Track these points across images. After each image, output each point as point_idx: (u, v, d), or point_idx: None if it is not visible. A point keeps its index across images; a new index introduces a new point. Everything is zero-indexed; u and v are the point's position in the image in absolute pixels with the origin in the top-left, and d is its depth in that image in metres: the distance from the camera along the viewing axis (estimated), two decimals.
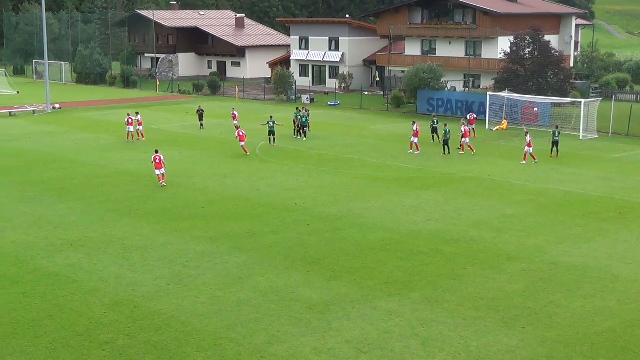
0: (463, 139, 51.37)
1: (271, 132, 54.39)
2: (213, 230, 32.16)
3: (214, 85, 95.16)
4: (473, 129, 57.85)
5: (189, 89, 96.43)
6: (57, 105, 79.01)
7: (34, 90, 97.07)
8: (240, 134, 50.95)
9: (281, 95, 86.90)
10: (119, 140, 56.53)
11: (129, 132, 56.44)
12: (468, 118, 58.74)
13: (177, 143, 55.69)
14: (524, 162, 47.36)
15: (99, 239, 31.06)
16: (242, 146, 50.68)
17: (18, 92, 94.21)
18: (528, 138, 47.71)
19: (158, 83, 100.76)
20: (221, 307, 23.41)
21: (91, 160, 48.90)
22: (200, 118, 62.67)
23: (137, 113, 58.46)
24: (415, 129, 51.43)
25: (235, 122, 60.16)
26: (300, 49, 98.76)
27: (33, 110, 76.34)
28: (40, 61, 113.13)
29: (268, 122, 54.72)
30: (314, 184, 41.64)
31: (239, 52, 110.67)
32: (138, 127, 56.86)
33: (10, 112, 74.44)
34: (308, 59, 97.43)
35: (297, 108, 60.22)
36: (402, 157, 49.90)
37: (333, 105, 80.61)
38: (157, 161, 41.28)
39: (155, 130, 62.78)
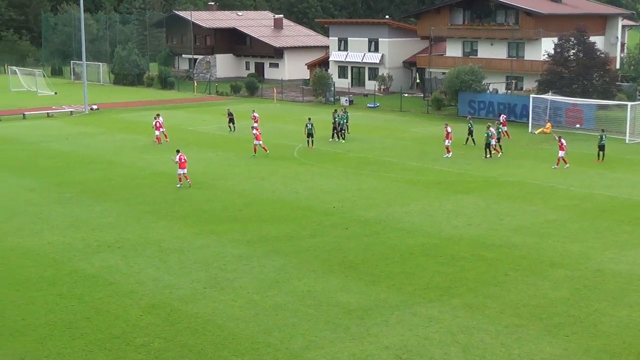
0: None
1: (309, 134, 54.45)
2: (250, 233, 32.24)
3: (252, 86, 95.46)
4: (506, 131, 57.49)
5: (226, 91, 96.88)
6: (95, 106, 79.84)
7: (71, 91, 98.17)
8: (257, 132, 51.74)
9: (319, 97, 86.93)
10: (155, 141, 56.92)
11: (157, 135, 56.71)
12: (500, 119, 58.37)
13: (214, 145, 55.97)
14: (556, 166, 46.85)
15: (136, 240, 31.29)
16: (255, 145, 51.04)
17: (56, 93, 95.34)
18: (564, 141, 47.18)
19: (195, 84, 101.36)
20: (258, 311, 23.44)
21: (128, 162, 49.31)
22: (231, 121, 62.52)
23: (158, 115, 58.51)
24: (447, 131, 51.17)
25: (255, 124, 60.24)
26: (339, 50, 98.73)
27: (71, 111, 77.23)
28: (78, 62, 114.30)
29: (306, 125, 54.82)
30: (352, 187, 41.59)
31: (277, 53, 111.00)
32: (160, 130, 57.08)
33: (48, 113, 75.39)
34: (347, 60, 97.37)
35: (335, 110, 60.12)
36: (442, 160, 49.63)
37: (372, 107, 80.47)
38: (182, 160, 41.79)
39: (192, 131, 63.19)
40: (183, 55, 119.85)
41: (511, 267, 27.66)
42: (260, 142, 51.20)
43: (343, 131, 57.92)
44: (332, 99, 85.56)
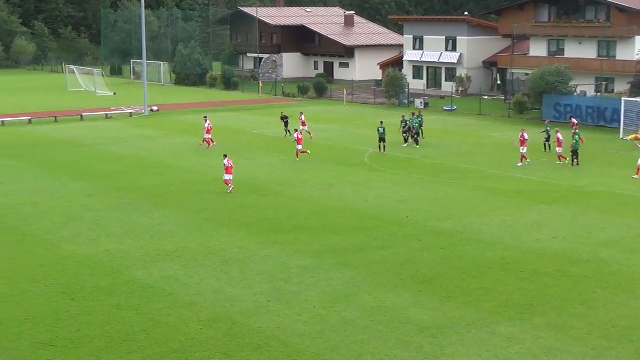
0: (558, 148, 50.79)
1: (381, 139, 54.38)
2: (317, 244, 32.30)
3: (321, 87, 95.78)
4: (580, 136, 56.60)
5: (293, 92, 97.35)
6: (155, 108, 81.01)
7: (131, 92, 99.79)
8: (299, 137, 52.22)
9: (393, 99, 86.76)
10: (219, 144, 57.47)
11: (207, 139, 57.18)
12: (574, 122, 57.47)
13: (279, 149, 56.29)
14: (636, 176, 45.90)
15: (197, 250, 31.60)
16: (297, 150, 51.78)
17: (115, 94, 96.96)
18: None
19: (261, 85, 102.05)
20: (324, 327, 23.44)
21: (189, 166, 49.87)
22: (286, 125, 62.54)
23: (206, 118, 58.81)
24: (522, 138, 50.55)
25: (304, 127, 60.22)
26: (414, 49, 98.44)
27: (130, 113, 78.50)
28: (138, 61, 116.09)
29: (378, 129, 54.79)
30: (427, 195, 41.40)
31: (348, 52, 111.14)
32: (206, 136, 57.38)
33: (106, 115, 76.72)
34: (422, 60, 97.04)
35: (402, 116, 59.66)
36: (524, 167, 49.12)
37: (449, 110, 80.00)
38: (229, 166, 42.37)
39: (256, 135, 63.68)
40: (248, 54, 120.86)
41: (599, 285, 27.17)
42: (301, 147, 51.82)
43: (417, 136, 57.71)
44: (406, 101, 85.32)
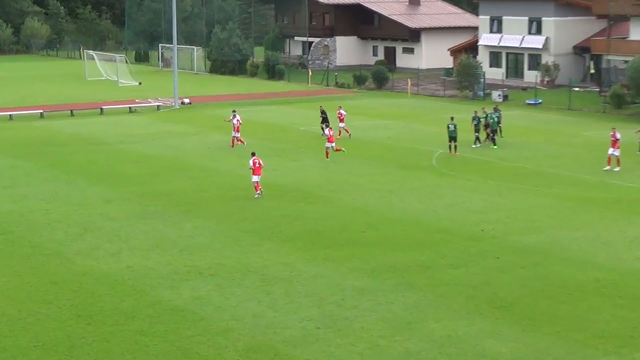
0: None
1: (452, 138, 54.11)
2: (375, 261, 32.19)
3: (380, 77, 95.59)
4: None
5: (348, 82, 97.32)
6: (187, 100, 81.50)
7: (159, 81, 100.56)
8: (330, 133, 52.66)
9: (465, 91, 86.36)
10: (261, 143, 57.61)
11: (235, 137, 57.29)
12: None
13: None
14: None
15: (234, 267, 31.63)
16: (327, 148, 52.29)
17: (140, 83, 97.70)
18: None
19: (310, 74, 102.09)
20: None
21: (226, 169, 50.02)
22: (324, 121, 61.79)
23: (234, 113, 58.60)
24: (614, 138, 49.93)
25: (342, 124, 59.96)
26: (491, 32, 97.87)
27: (157, 106, 79.02)
28: (167, 45, 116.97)
29: (448, 126, 54.51)
30: (506, 205, 41.15)
31: (413, 35, 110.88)
32: (234, 133, 57.43)
33: (130, 108, 77.24)
34: (501, 44, 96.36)
35: (475, 111, 59.21)
36: (623, 172, 48.60)
37: (532, 104, 79.43)
38: (257, 166, 42.65)
39: (304, 132, 63.90)
40: (295, 38, 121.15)
41: None
42: (333, 145, 52.23)
43: (494, 134, 57.31)
44: (482, 93, 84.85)
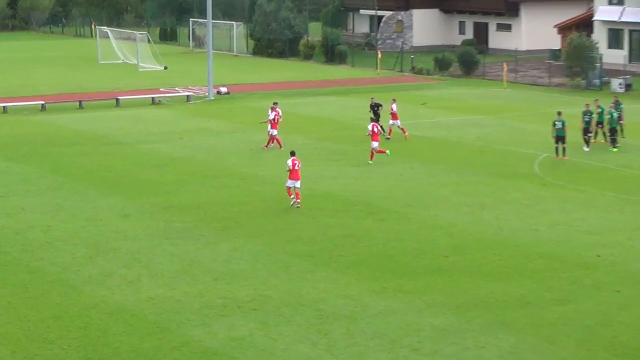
0: None
1: (559, 138, 53.83)
2: (461, 294, 32.11)
3: (469, 60, 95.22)
4: None
5: (428, 67, 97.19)
6: (224, 89, 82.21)
7: (189, 65, 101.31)
8: (375, 130, 53.14)
9: (577, 79, 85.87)
10: (317, 144, 57.62)
11: (272, 135, 57.10)
12: None
13: (407, 151, 56.59)
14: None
15: (282, 299, 31.66)
16: (373, 150, 52.99)
17: (166, 68, 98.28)
18: None
19: (380, 56, 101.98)
20: None
21: (273, 176, 49.98)
22: (375, 115, 60.96)
23: (275, 105, 58.72)
24: None
25: (396, 121, 59.67)
26: (610, 4, 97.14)
27: (187, 96, 79.68)
28: (200, 21, 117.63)
29: (554, 123, 54.10)
30: (628, 223, 40.85)
31: (510, 8, 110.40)
32: (270, 131, 57.26)
33: (153, 99, 78.05)
34: (623, 20, 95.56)
35: (586, 105, 58.64)
36: None
37: None
38: (295, 167, 43.38)
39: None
40: (361, 12, 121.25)
41: None
42: (376, 145, 52.95)
43: (614, 134, 56.80)
44: (598, 81, 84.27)
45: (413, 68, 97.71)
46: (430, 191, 46.77)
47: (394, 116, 60.26)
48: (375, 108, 61.32)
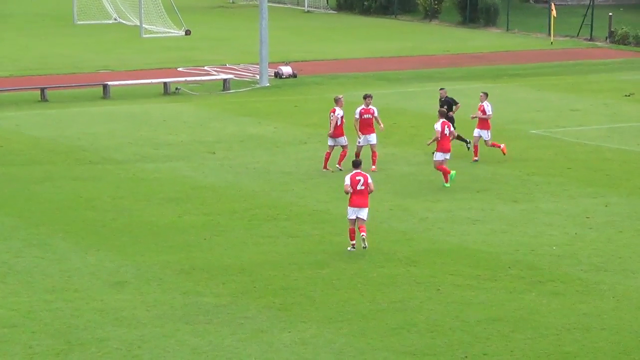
0: None
1: None
2: None
3: None
4: None
5: (638, 31, 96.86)
6: (287, 69, 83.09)
7: (226, 29, 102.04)
8: (447, 131, 55.37)
9: None
10: (451, 160, 58.02)
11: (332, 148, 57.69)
12: None
13: (597, 176, 57.40)
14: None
15: None
16: (436, 162, 54.95)
17: (188, 33, 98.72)
18: None
19: (554, 14, 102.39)
20: None
21: (371, 218, 50.33)
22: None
23: (339, 99, 59.58)
24: None
25: (483, 131, 59.95)
26: None
27: (224, 81, 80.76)
28: None
29: None
30: None
31: None
32: (336, 141, 58.02)
33: (166, 86, 78.93)
34: None
35: None
36: None
37: None
38: (361, 185, 44.96)
39: (538, 139, 64.94)
40: None
41: None
42: (440, 159, 54.54)
43: None
44: None
45: (611, 34, 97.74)
46: (637, 245, 47.04)
47: (484, 114, 60.42)
48: (447, 102, 61.83)
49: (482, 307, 40.08)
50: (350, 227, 44.69)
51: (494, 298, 41.01)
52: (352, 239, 44.47)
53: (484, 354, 36.23)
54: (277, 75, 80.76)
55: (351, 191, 44.40)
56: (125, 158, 60.54)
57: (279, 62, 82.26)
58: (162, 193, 54.37)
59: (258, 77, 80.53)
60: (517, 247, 46.26)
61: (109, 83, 77.24)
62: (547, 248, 46.29)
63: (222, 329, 38.28)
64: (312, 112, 71.04)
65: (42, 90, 75.54)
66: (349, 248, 44.76)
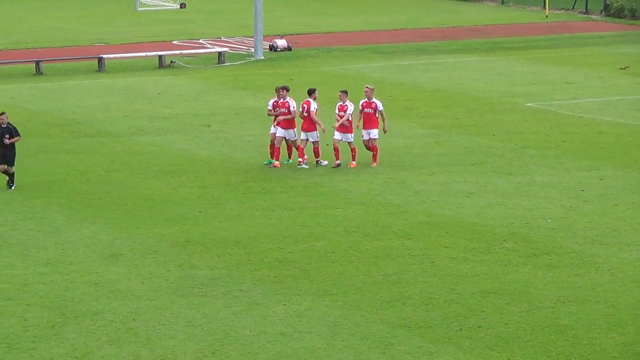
0: None
1: None
2: None
3: None
4: None
5: (633, 4, 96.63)
6: (282, 42, 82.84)
7: (220, 3, 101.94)
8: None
9: None
10: (439, 137, 57.76)
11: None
12: None
13: (590, 150, 57.32)
14: None
15: None
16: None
17: (183, 6, 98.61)
18: None
19: None
20: None
21: (362, 192, 50.52)
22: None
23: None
24: None
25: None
26: None
27: (219, 54, 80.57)
28: None
29: None
30: None
31: None
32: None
33: (161, 59, 78.79)
34: None
35: None
36: None
37: None
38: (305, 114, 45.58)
39: (532, 111, 64.62)
40: None
41: None
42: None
43: None
44: None
45: (607, 7, 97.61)
46: (632, 218, 47.13)
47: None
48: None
49: (477, 280, 40.09)
50: (299, 149, 45.03)
51: (489, 271, 41.01)
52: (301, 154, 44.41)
53: (479, 327, 36.18)
54: (272, 48, 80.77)
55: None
56: (120, 131, 60.51)
57: (274, 35, 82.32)
58: (157, 166, 54.35)
59: (253, 50, 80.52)
60: (512, 220, 46.35)
61: (104, 56, 77.26)
62: (542, 221, 46.34)
63: (216, 302, 38.25)
64: (307, 85, 70.84)
65: (37, 63, 75.57)
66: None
